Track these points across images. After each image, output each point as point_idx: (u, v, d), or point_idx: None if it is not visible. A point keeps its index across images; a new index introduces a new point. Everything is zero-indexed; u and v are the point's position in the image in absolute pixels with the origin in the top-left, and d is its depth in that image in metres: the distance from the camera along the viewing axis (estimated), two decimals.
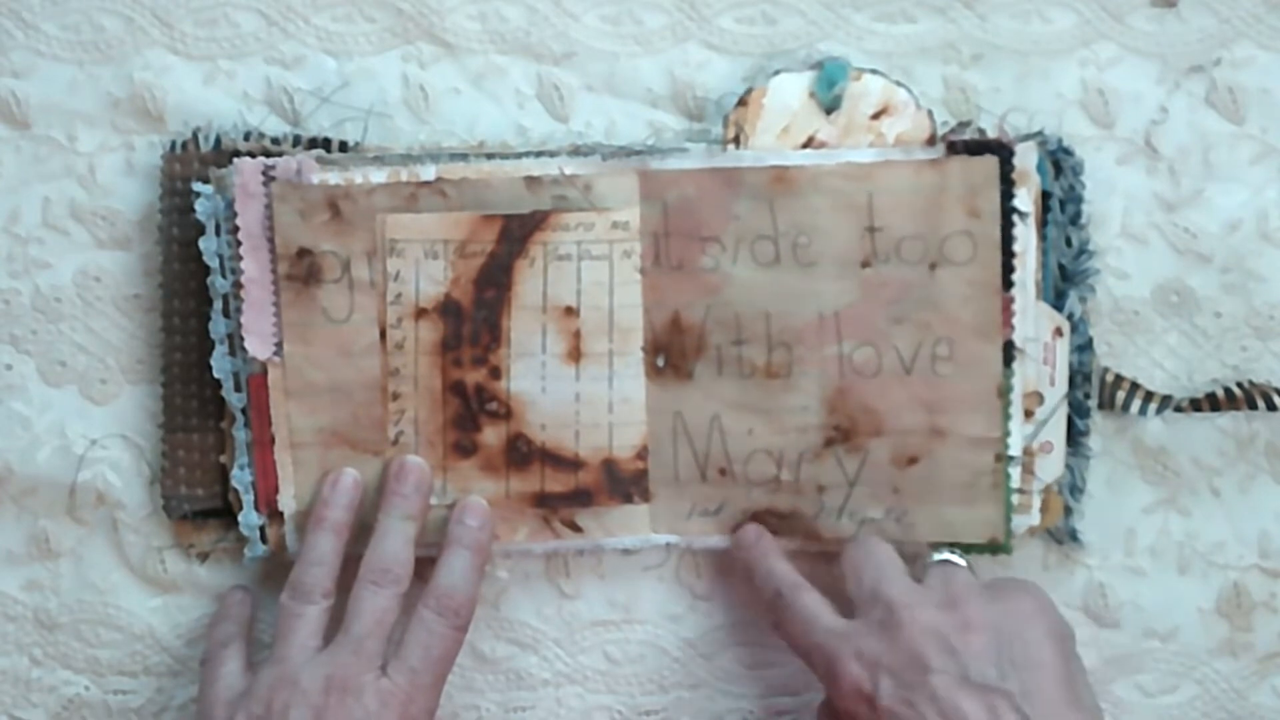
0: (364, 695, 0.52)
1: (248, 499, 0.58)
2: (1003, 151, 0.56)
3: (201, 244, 0.57)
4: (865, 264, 0.57)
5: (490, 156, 0.58)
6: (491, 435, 0.58)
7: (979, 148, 0.57)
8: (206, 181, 0.57)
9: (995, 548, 0.58)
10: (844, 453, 0.58)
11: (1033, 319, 0.58)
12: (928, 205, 0.57)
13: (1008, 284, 0.57)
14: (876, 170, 0.57)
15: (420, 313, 0.58)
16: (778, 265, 0.57)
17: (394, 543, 0.56)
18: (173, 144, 0.59)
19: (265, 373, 0.57)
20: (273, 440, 0.58)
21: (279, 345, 0.57)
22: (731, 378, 0.58)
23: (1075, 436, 0.59)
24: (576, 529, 0.59)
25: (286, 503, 0.58)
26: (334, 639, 0.54)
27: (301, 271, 0.57)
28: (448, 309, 0.58)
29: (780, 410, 0.58)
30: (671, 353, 0.58)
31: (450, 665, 0.55)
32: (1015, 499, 0.58)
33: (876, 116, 0.58)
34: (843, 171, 0.57)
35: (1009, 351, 0.57)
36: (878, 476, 0.58)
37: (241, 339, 0.57)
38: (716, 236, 0.57)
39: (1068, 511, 0.60)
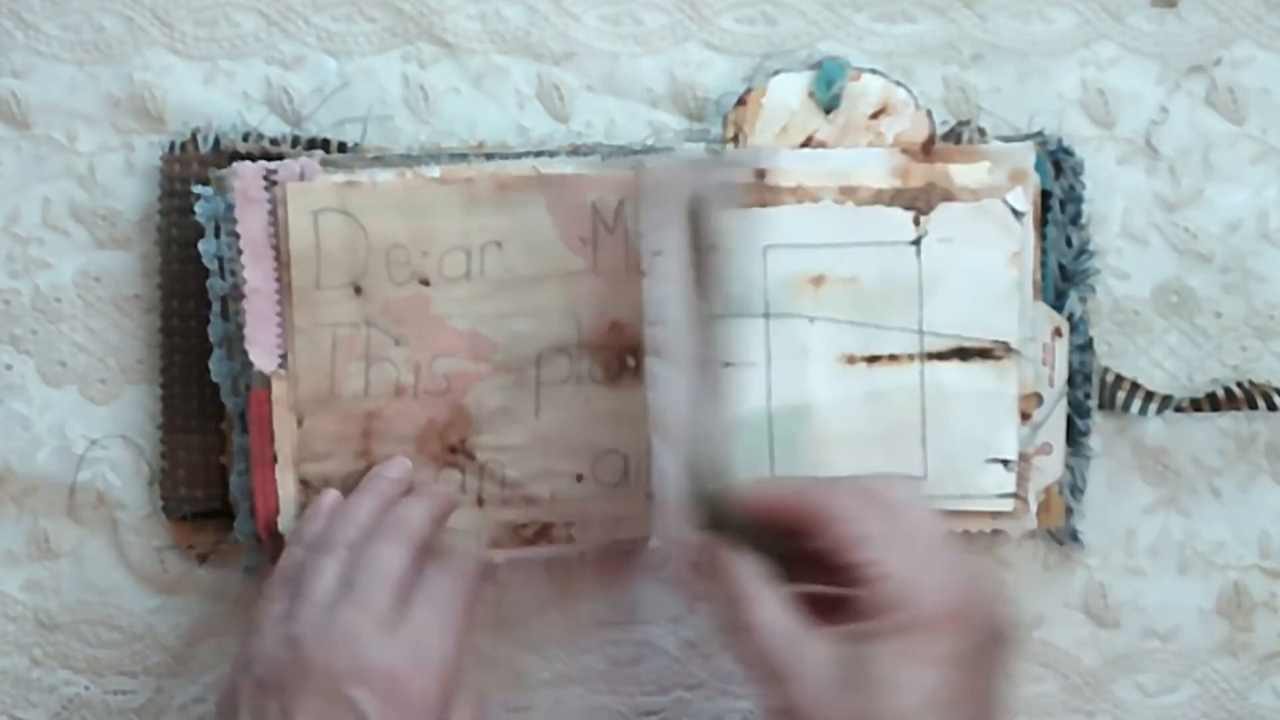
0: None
1: (244, 506, 0.57)
2: None
3: (201, 246, 0.56)
4: None
5: (490, 157, 0.57)
6: None
7: None
8: (206, 183, 0.57)
9: None
10: None
11: (1031, 319, 0.58)
12: None
13: None
14: None
15: None
16: None
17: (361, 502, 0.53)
18: (172, 144, 0.59)
19: (268, 386, 0.56)
20: (275, 459, 0.56)
21: (283, 357, 0.56)
22: None
23: (1075, 437, 0.59)
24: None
25: (288, 524, 0.56)
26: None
27: None
28: None
29: None
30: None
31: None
32: (1012, 503, 0.58)
33: (875, 116, 0.58)
34: None
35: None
36: None
37: (241, 341, 0.56)
38: None
39: (1068, 512, 0.60)
